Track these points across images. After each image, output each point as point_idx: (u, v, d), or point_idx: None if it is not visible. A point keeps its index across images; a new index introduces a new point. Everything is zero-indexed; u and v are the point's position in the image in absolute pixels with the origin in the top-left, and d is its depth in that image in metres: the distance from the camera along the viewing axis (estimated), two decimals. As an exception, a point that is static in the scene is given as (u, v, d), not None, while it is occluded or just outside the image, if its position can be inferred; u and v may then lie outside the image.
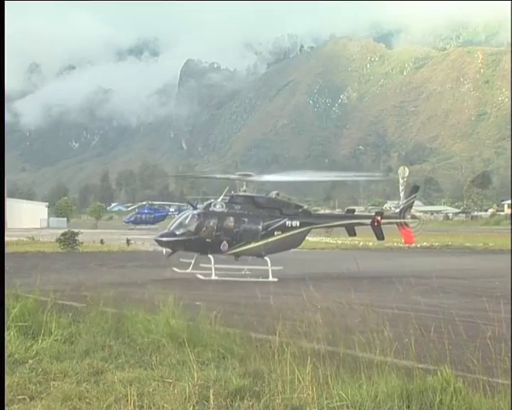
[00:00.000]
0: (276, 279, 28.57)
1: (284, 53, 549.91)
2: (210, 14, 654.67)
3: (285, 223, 31.69)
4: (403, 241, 39.24)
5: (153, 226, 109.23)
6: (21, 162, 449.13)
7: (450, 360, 8.99)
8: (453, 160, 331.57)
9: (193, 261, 30.45)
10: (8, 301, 11.90)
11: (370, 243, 58.27)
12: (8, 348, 10.34)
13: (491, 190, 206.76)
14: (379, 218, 34.51)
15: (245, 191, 32.08)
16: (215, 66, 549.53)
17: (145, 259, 39.58)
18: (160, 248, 44.56)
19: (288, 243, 32.29)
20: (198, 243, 30.36)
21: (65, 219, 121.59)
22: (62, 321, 12.34)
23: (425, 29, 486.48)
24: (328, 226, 38.54)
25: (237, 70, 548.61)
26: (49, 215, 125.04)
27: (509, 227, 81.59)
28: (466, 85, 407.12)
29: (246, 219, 31.08)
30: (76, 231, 49.30)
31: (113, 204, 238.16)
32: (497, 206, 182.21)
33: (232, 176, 34.86)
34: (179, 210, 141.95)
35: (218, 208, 31.03)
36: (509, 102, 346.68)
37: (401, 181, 68.33)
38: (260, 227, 31.12)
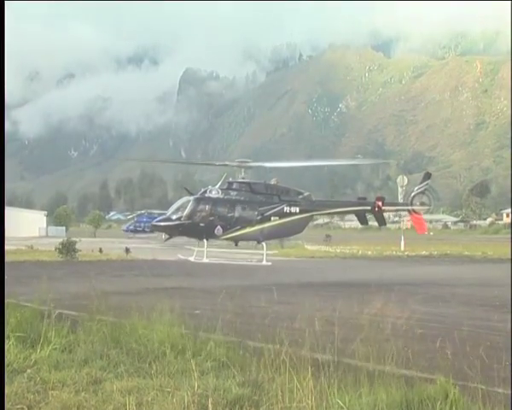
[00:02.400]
0: (269, 263, 28.80)
1: (283, 62, 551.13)
2: (209, 23, 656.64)
3: (283, 209, 31.92)
4: (416, 230, 38.88)
5: (152, 235, 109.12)
6: (20, 171, 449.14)
7: (450, 369, 8.97)
8: (452, 169, 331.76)
9: (196, 248, 31.26)
10: (6, 311, 11.86)
11: (369, 252, 58.37)
12: (7, 357, 10.30)
13: (489, 199, 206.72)
14: (380, 203, 34.27)
15: (243, 178, 32.43)
16: (214, 74, 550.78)
17: (144, 267, 39.47)
18: (159, 258, 44.57)
19: (287, 228, 32.60)
20: (192, 228, 30.89)
21: (64, 227, 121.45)
22: (61, 330, 12.30)
23: (423, 38, 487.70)
24: (330, 213, 38.23)
25: (236, 79, 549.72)
26: (48, 224, 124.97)
27: (509, 236, 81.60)
28: (465, 94, 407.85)
29: (241, 205, 31.50)
30: (75, 239, 49.22)
31: (111, 213, 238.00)
32: (496, 215, 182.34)
33: (231, 163, 35.24)
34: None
35: (213, 194, 31.56)
36: (509, 112, 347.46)
37: (400, 190, 68.42)
38: (256, 213, 31.46)
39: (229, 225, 31.00)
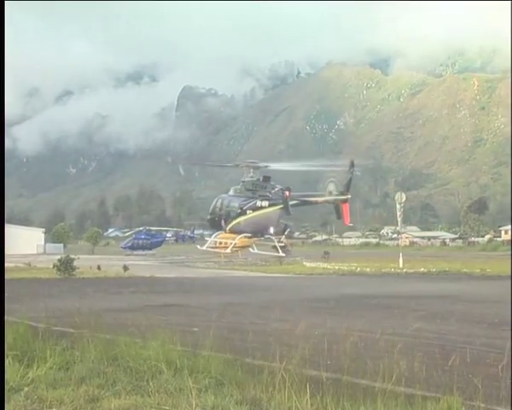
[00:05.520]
0: (256, 251, 33.25)
1: (281, 79, 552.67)
2: (208, 41, 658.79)
3: (256, 203, 34.90)
4: (344, 222, 40.57)
5: (150, 252, 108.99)
6: (18, 188, 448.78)
7: (450, 386, 8.92)
8: (450, 185, 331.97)
9: (210, 239, 36.24)
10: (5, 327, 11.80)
11: (368, 269, 58.28)
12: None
13: (487, 215, 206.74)
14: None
15: (252, 177, 35.32)
16: (213, 91, 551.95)
17: (142, 285, 39.41)
18: (157, 275, 44.80)
19: (259, 221, 35.14)
20: (212, 222, 36.34)
21: (61, 244, 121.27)
22: (58, 348, 12.23)
23: (421, 55, 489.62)
24: (296, 205, 39.84)
25: (235, 96, 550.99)
26: (46, 241, 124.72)
27: (508, 253, 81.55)
28: (462, 112, 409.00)
29: (237, 201, 35.08)
30: (73, 256, 49.11)
31: (110, 230, 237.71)
32: (495, 232, 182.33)
33: (242, 163, 38.51)
34: (176, 236, 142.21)
35: (229, 193, 36.41)
36: (508, 129, 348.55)
37: (398, 206, 68.56)
38: (237, 206, 35.21)
39: (227, 218, 34.70)
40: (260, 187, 35.48)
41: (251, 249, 36.35)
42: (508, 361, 9.52)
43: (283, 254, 36.62)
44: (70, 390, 9.94)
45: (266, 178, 36.32)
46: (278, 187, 36.64)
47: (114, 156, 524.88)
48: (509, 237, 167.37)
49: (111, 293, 33.01)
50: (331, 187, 35.99)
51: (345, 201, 35.60)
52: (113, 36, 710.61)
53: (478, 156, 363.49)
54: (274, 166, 41.56)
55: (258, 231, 36.25)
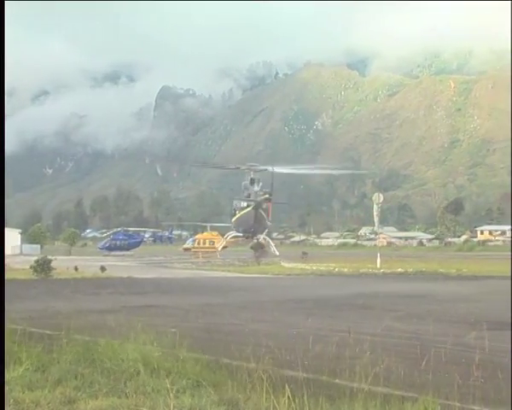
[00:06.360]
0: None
1: (259, 79, 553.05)
2: (186, 41, 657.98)
3: (241, 203, 40.01)
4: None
5: (127, 253, 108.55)
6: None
7: (426, 386, 8.98)
8: (427, 186, 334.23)
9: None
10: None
11: (345, 269, 58.52)
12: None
13: (464, 216, 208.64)
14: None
15: (252, 178, 38.86)
16: (190, 92, 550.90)
17: (119, 285, 39.22)
18: (135, 275, 44.64)
19: (243, 221, 39.98)
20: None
21: (38, 245, 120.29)
22: (34, 350, 12.14)
23: (398, 57, 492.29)
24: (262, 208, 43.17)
25: (213, 96, 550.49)
26: (23, 242, 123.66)
27: (483, 253, 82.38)
28: (439, 113, 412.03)
29: (237, 203, 40.36)
30: (50, 257, 48.71)
31: (87, 230, 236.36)
32: (471, 232, 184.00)
33: (242, 166, 40.21)
34: (154, 236, 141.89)
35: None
36: (484, 130, 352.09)
37: (375, 207, 68.89)
38: (233, 207, 40.26)
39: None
40: (247, 189, 37.00)
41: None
42: (482, 360, 9.62)
43: (277, 254, 40.24)
44: (46, 392, 9.87)
45: (253, 181, 37.68)
46: (257, 189, 37.63)
47: (92, 156, 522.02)
48: (485, 238, 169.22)
49: (88, 294, 32.80)
50: (256, 187, 38.48)
51: (269, 200, 38.75)
52: (90, 35, 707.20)
53: (454, 157, 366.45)
54: (275, 169, 43.61)
55: (244, 230, 39.02)
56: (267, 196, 40.05)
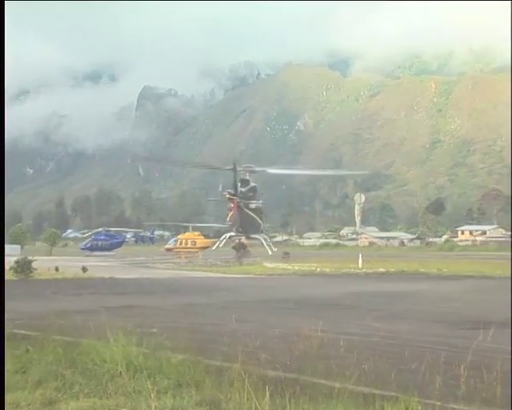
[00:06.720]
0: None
1: (241, 80, 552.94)
2: (167, 41, 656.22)
3: (230, 204, 40.34)
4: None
5: (109, 253, 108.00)
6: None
7: (407, 385, 9.02)
8: (408, 187, 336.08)
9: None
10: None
11: (327, 269, 58.68)
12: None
13: (444, 216, 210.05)
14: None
15: (248, 180, 39.54)
16: (172, 92, 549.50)
17: (101, 286, 39.05)
18: (116, 276, 44.53)
19: (232, 220, 40.85)
20: None
21: (19, 246, 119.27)
22: (15, 351, 12.05)
23: (379, 57, 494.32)
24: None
25: (194, 96, 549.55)
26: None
27: (463, 253, 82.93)
28: (420, 114, 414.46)
29: None
30: (31, 258, 48.34)
31: (68, 231, 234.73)
32: (451, 232, 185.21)
33: (238, 167, 41.11)
34: (136, 237, 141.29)
35: None
36: (464, 131, 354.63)
37: (357, 207, 69.19)
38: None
39: None
40: (236, 189, 37.94)
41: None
42: (463, 358, 9.67)
43: (270, 253, 41.96)
44: (26, 393, 9.81)
45: (243, 181, 38.66)
46: (243, 189, 38.48)
47: (73, 156, 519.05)
48: (466, 238, 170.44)
49: (69, 294, 32.60)
50: (243, 188, 39.60)
51: (232, 200, 39.92)
52: (71, 35, 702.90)
53: (435, 158, 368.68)
54: (270, 170, 45.22)
55: (236, 230, 40.42)
56: (251, 194, 40.78)
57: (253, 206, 39.95)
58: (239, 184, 39.07)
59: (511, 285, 23.10)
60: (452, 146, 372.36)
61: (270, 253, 42.78)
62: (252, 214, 40.33)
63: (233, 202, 39.45)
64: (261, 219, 42.61)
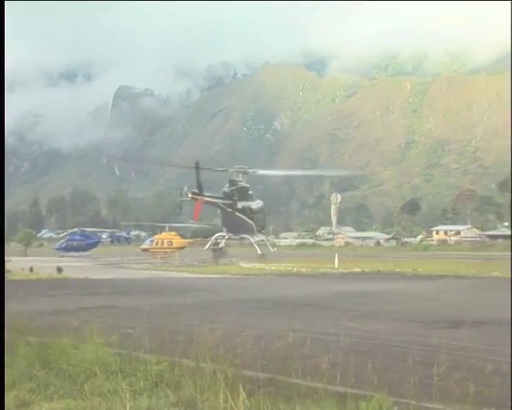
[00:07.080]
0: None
1: (218, 80, 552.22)
2: (144, 40, 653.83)
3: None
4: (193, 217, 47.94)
5: (84, 253, 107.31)
6: None
7: (382, 384, 9.07)
8: (383, 187, 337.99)
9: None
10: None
11: (304, 269, 58.82)
12: None
13: (419, 216, 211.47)
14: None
15: (240, 181, 40.43)
16: (148, 91, 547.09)
17: (76, 286, 38.77)
18: (92, 276, 44.12)
19: (222, 218, 42.07)
20: None
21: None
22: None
23: (355, 58, 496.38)
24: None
25: (171, 96, 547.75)
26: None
27: (437, 253, 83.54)
28: (395, 114, 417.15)
29: None
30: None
31: (43, 231, 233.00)
32: (426, 232, 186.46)
33: (231, 169, 41.08)
34: (112, 237, 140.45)
35: None
36: (439, 132, 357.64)
37: (333, 207, 69.42)
38: None
39: None
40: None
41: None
42: (438, 358, 9.74)
43: (261, 253, 42.91)
44: (0, 395, 9.71)
45: (231, 182, 38.94)
46: (226, 190, 38.83)
47: (48, 156, 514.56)
48: (441, 237, 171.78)
49: (44, 295, 32.33)
50: (185, 188, 40.12)
51: (196, 199, 39.82)
52: (45, 34, 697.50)
53: (410, 158, 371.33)
54: (260, 172, 45.60)
55: (227, 230, 41.21)
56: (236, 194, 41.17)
57: (239, 206, 39.85)
58: (227, 185, 39.63)
59: (511, 285, 23.33)
60: (427, 146, 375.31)
61: (259, 252, 43.37)
62: (238, 215, 40.13)
63: (197, 201, 39.50)
64: (252, 219, 42.23)
